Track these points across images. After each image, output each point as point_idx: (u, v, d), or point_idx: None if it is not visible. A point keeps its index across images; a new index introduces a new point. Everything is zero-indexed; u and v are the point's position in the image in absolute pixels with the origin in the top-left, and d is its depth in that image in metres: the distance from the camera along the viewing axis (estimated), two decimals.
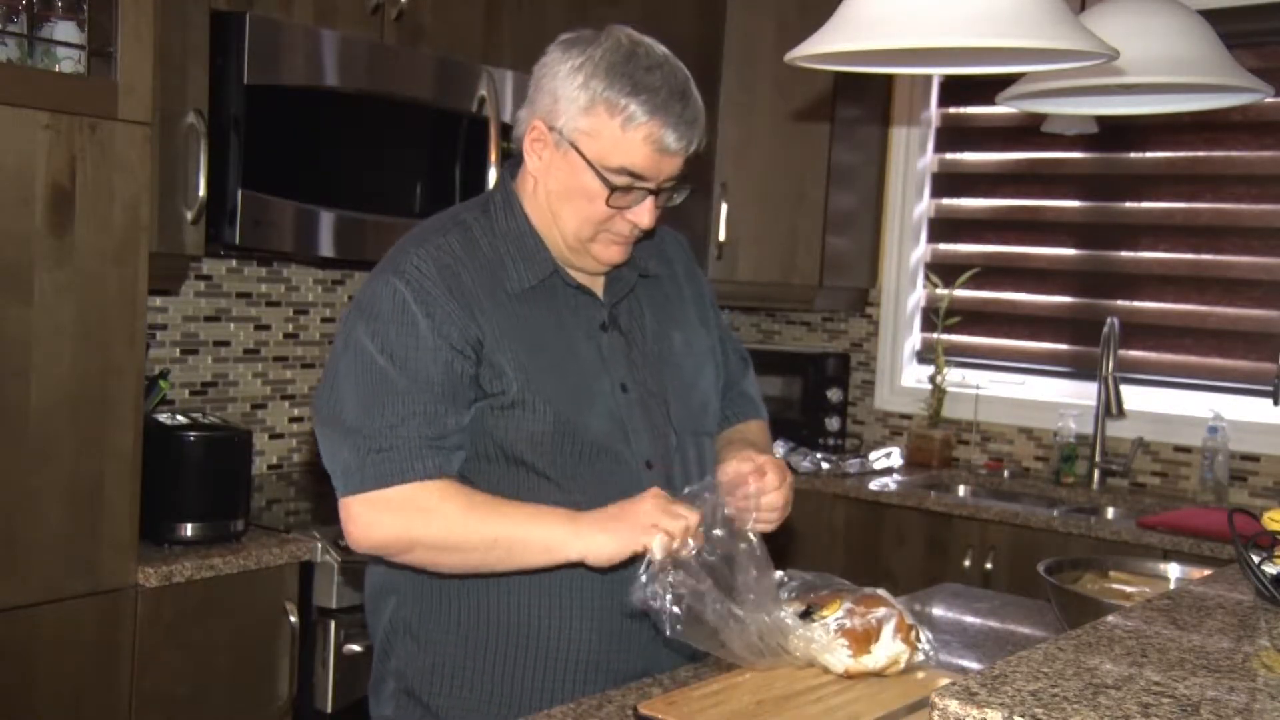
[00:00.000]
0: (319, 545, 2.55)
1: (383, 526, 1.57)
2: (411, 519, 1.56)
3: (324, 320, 3.28)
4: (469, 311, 1.60)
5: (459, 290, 1.60)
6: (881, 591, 1.76)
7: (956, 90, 4.08)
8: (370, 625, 1.76)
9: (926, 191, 4.15)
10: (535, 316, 1.64)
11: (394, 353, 1.57)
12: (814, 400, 4.01)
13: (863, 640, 1.65)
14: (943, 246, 4.13)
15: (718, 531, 1.61)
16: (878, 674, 1.66)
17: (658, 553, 1.52)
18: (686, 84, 1.61)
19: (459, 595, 1.65)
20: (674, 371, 1.76)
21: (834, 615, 1.66)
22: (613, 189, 1.60)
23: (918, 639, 1.70)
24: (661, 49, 1.63)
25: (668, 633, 1.53)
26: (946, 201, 4.14)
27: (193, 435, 2.47)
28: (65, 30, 2.19)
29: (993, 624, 2.15)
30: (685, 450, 1.74)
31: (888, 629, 1.66)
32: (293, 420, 3.22)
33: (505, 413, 1.61)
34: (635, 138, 1.58)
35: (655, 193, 1.63)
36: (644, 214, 1.63)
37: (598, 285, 1.73)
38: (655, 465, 1.70)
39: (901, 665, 1.67)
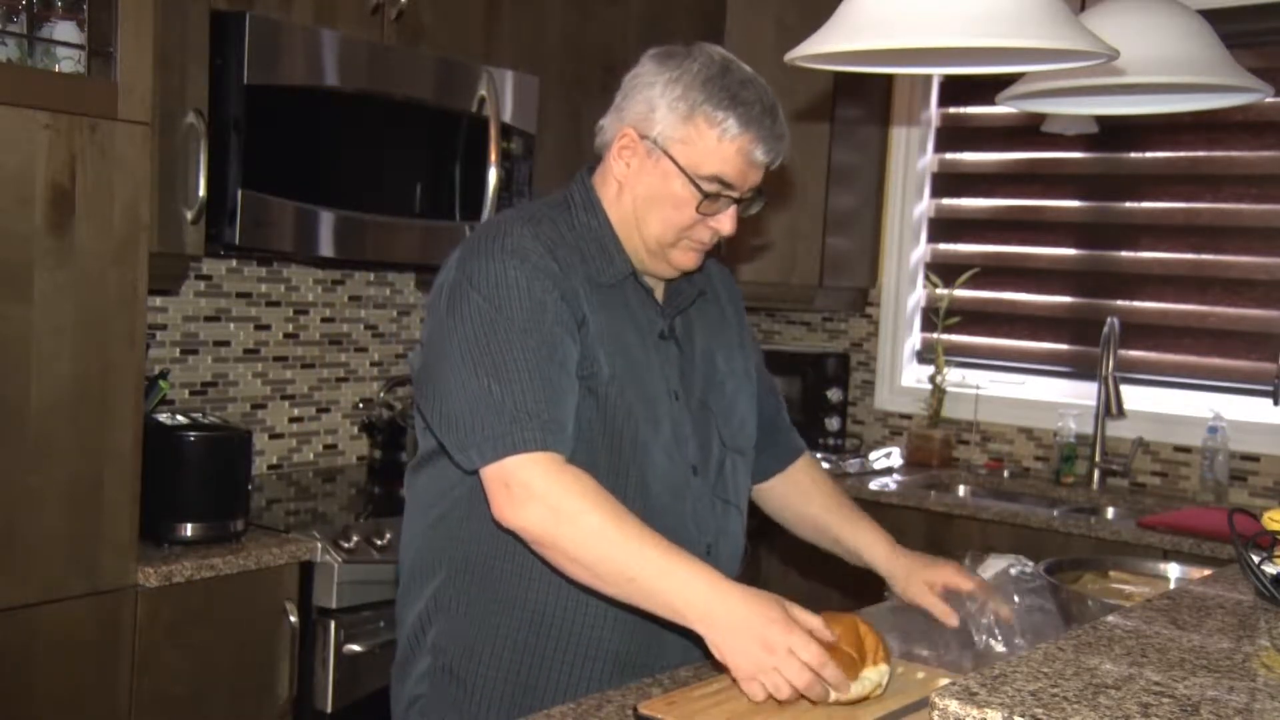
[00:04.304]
0: (319, 545, 2.55)
1: (529, 516, 1.54)
2: (559, 521, 1.53)
3: (324, 320, 3.28)
4: (574, 292, 1.64)
5: (563, 270, 1.64)
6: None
7: (956, 90, 4.08)
8: (404, 602, 1.76)
9: (926, 191, 4.16)
10: (613, 312, 1.69)
11: (519, 324, 1.58)
12: (814, 400, 4.01)
13: (847, 666, 1.56)
14: (943, 246, 4.13)
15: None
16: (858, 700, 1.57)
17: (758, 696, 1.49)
18: (774, 101, 1.69)
19: (503, 577, 1.67)
20: (718, 389, 1.82)
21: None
22: (704, 195, 1.66)
23: (889, 650, 1.65)
24: (748, 67, 1.70)
25: None
26: (946, 201, 4.14)
27: (193, 435, 2.46)
28: (65, 30, 2.19)
29: None
30: (724, 463, 1.80)
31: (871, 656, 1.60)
32: (293, 420, 3.22)
33: (584, 396, 1.63)
34: (730, 148, 1.65)
35: (738, 201, 1.70)
36: (726, 221, 1.71)
37: (658, 294, 1.78)
38: (699, 472, 1.75)
39: (884, 686, 1.60)
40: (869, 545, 1.98)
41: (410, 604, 1.75)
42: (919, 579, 1.91)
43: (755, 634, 1.48)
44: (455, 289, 1.63)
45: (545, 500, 1.53)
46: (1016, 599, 1.95)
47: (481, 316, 1.59)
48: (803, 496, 2.04)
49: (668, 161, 1.67)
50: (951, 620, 1.85)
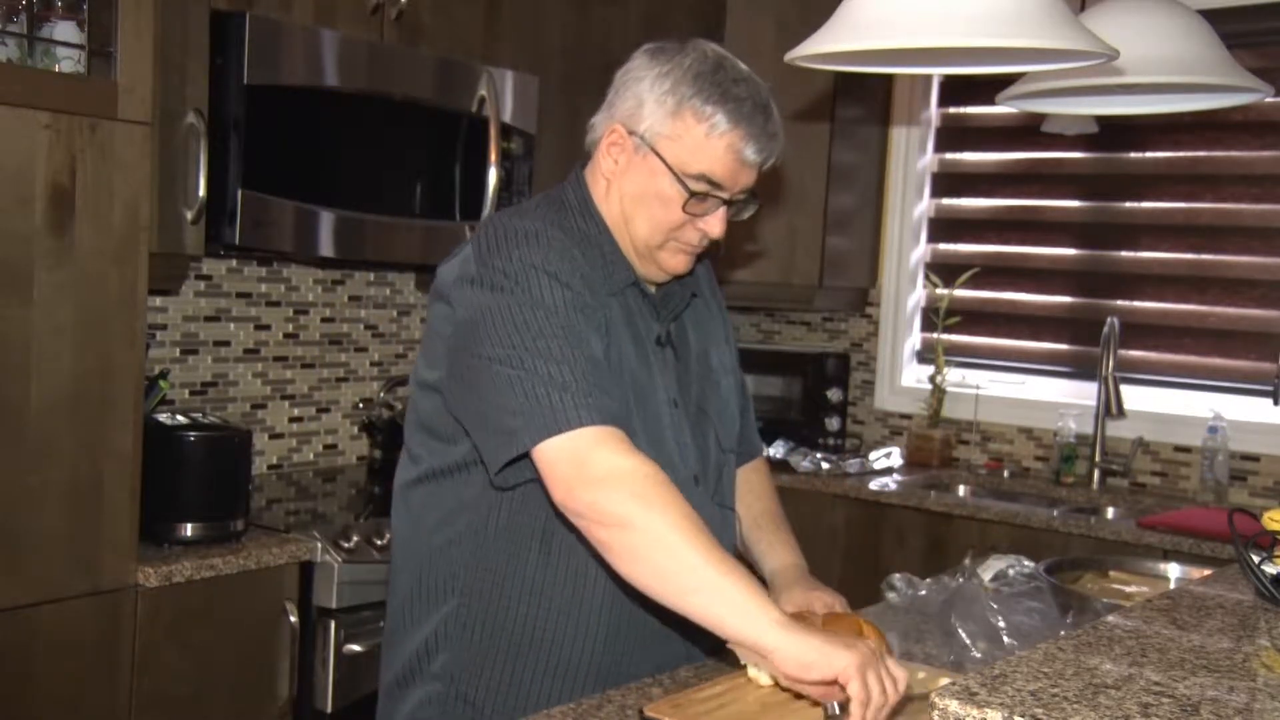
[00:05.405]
0: (319, 545, 2.55)
1: (610, 497, 1.43)
2: (643, 507, 1.42)
3: (324, 320, 3.28)
4: (595, 292, 1.60)
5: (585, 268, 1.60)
6: (839, 605, 1.74)
7: (956, 90, 4.08)
8: (402, 624, 1.70)
9: (926, 191, 4.16)
10: (615, 322, 1.64)
11: (560, 315, 1.51)
12: (814, 400, 4.01)
13: None
14: (943, 246, 4.13)
15: None
16: None
17: (855, 712, 1.39)
18: (769, 100, 1.63)
19: (519, 600, 1.62)
20: (713, 390, 1.78)
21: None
22: (690, 194, 1.61)
23: (890, 649, 1.65)
24: (744, 65, 1.65)
25: None
26: (946, 201, 4.14)
27: (193, 435, 2.46)
28: (65, 30, 2.19)
29: None
30: (722, 468, 1.77)
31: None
32: (293, 420, 3.22)
33: None
34: (718, 146, 1.59)
35: (728, 203, 1.65)
36: (715, 224, 1.65)
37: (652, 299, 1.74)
38: (700, 481, 1.71)
39: None
40: (769, 553, 1.86)
41: (410, 628, 1.69)
42: (787, 597, 1.76)
43: (838, 645, 1.40)
44: (481, 283, 1.56)
45: (632, 482, 1.43)
46: (995, 605, 1.94)
47: (516, 306, 1.52)
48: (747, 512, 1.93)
49: (655, 158, 1.61)
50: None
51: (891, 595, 2.12)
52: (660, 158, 1.61)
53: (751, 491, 1.94)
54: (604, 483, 1.44)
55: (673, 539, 1.41)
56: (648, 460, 1.48)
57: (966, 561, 2.20)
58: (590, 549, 1.53)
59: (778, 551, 1.87)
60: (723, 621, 1.42)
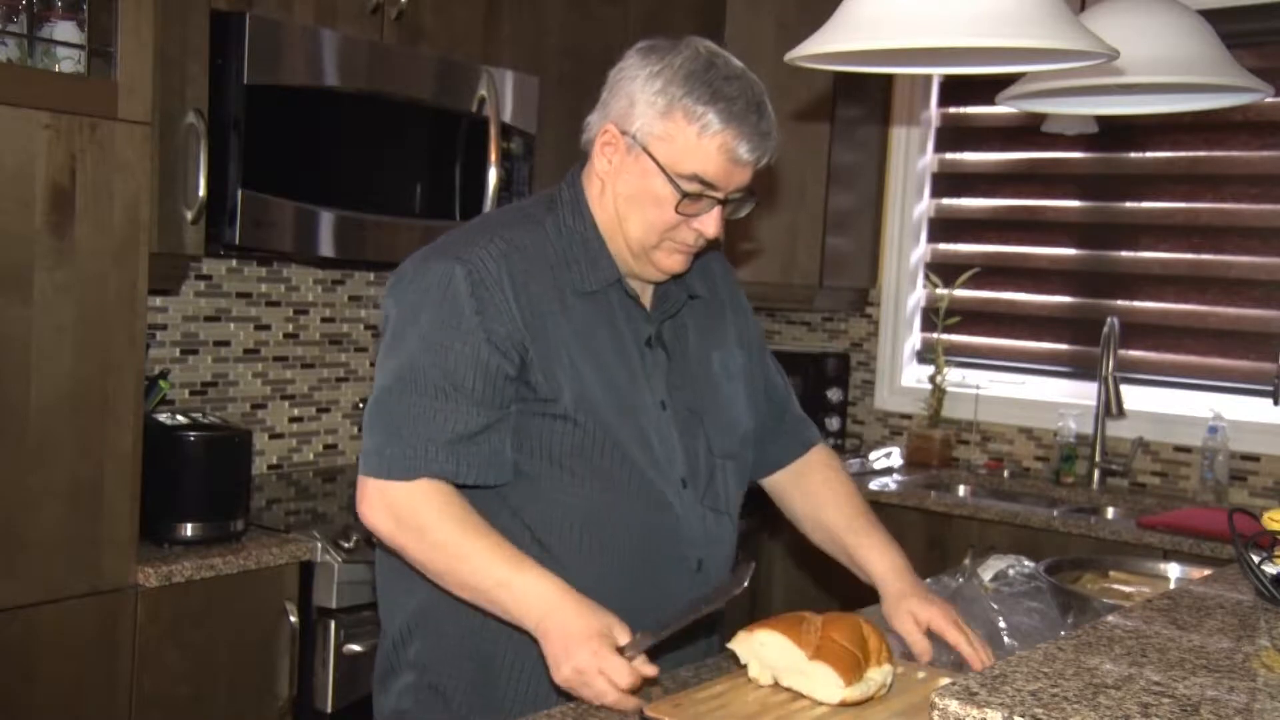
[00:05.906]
0: (319, 545, 2.55)
1: (383, 522, 1.59)
2: (405, 530, 1.57)
3: (324, 320, 3.28)
4: (528, 312, 1.60)
5: (522, 288, 1.60)
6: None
7: (956, 90, 4.08)
8: (383, 610, 1.75)
9: (926, 191, 4.16)
10: (592, 323, 1.64)
11: (434, 343, 1.57)
12: (814, 400, 4.01)
13: (852, 666, 1.56)
14: (943, 246, 4.13)
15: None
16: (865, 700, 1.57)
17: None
18: (762, 97, 1.62)
19: None
20: (712, 393, 1.76)
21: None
22: (683, 195, 1.60)
23: (890, 653, 1.65)
24: (738, 62, 1.64)
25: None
26: (946, 201, 4.14)
27: (193, 435, 2.47)
28: (65, 30, 2.19)
29: None
30: (714, 472, 1.75)
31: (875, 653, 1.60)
32: (293, 420, 3.22)
33: (552, 420, 1.61)
34: (710, 145, 1.58)
35: (723, 203, 1.63)
36: (710, 223, 1.64)
37: (646, 299, 1.73)
38: (689, 484, 1.70)
39: (889, 686, 1.62)
40: (872, 559, 1.84)
41: (390, 615, 1.73)
42: (905, 607, 1.77)
43: (573, 650, 1.49)
44: (398, 290, 1.63)
45: (394, 512, 1.57)
46: (995, 605, 1.94)
47: (401, 328, 1.59)
48: (814, 501, 1.92)
49: (647, 159, 1.60)
50: (925, 657, 1.74)
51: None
52: (652, 158, 1.60)
53: (836, 493, 1.92)
54: (378, 511, 1.59)
55: (437, 563, 1.57)
56: (427, 489, 1.57)
57: (966, 561, 2.19)
58: (560, 543, 1.62)
59: (879, 555, 1.84)
60: (489, 609, 1.58)
